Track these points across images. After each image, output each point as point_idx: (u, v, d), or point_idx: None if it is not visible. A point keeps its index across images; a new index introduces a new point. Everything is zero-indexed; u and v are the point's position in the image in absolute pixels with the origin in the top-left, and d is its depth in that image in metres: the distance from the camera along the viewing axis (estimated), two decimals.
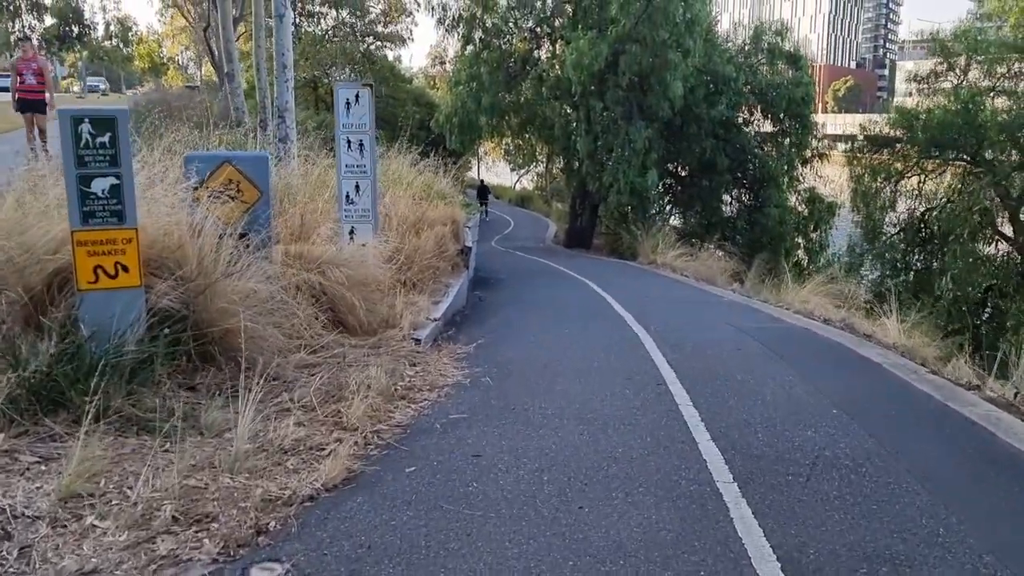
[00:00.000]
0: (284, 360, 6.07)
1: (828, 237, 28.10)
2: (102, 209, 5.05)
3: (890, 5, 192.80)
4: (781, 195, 25.85)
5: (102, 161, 5.01)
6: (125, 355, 4.93)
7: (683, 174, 28.02)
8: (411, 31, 38.31)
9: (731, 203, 27.63)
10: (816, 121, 27.64)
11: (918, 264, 22.48)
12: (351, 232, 8.72)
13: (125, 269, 5.12)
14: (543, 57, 27.58)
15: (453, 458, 4.88)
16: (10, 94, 14.68)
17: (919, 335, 11.11)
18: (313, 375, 6.07)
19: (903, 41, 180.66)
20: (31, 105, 14.40)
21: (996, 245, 19.97)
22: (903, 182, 22.19)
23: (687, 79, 23.00)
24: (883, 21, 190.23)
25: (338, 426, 5.20)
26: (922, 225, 21.88)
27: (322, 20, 34.55)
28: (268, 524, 3.85)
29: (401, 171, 13.56)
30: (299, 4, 31.42)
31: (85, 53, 66.88)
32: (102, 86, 61.31)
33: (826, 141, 29.40)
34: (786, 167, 26.18)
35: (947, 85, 22.59)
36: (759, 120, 27.26)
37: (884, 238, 22.47)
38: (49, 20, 60.15)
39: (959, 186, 21.45)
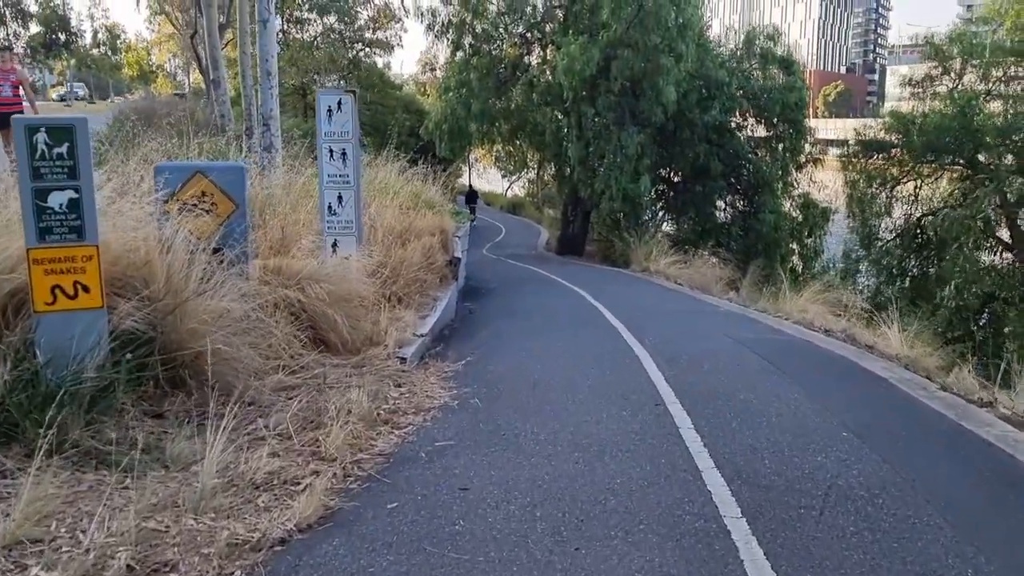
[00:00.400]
0: (260, 383, 5.71)
1: (823, 243, 27.90)
2: (60, 225, 4.69)
3: (879, 10, 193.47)
4: (775, 201, 25.61)
5: (60, 173, 4.66)
6: (84, 382, 4.57)
7: (676, 180, 27.76)
8: (400, 37, 38.07)
9: (725, 209, 27.40)
10: (810, 126, 27.40)
11: (914, 270, 22.24)
12: (334, 245, 8.37)
13: (85, 289, 4.76)
14: (534, 63, 27.32)
15: (439, 492, 4.53)
16: None
17: (920, 344, 10.86)
18: (291, 398, 5.72)
19: (893, 46, 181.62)
20: (5, 118, 13.96)
21: (1000, 254, 19.70)
22: (899, 187, 21.94)
23: (679, 84, 22.75)
24: (872, 27, 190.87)
25: (316, 456, 4.85)
26: (918, 231, 21.62)
27: (310, 26, 34.21)
28: (232, 574, 3.50)
29: (388, 179, 13.22)
30: (286, 11, 31.06)
31: (73, 61, 66.36)
32: (81, 92, 60.68)
33: (819, 146, 29.15)
34: (780, 172, 25.97)
35: (942, 89, 22.38)
36: (752, 125, 27.04)
37: (880, 244, 22.21)
38: (35, 28, 59.64)
39: (956, 191, 21.22)
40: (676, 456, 5.16)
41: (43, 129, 4.62)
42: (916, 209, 21.90)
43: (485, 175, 64.17)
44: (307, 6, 32.59)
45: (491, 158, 48.07)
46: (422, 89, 49.00)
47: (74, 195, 4.69)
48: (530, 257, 27.07)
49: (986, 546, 3.96)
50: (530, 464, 4.97)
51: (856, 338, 10.65)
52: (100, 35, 65.22)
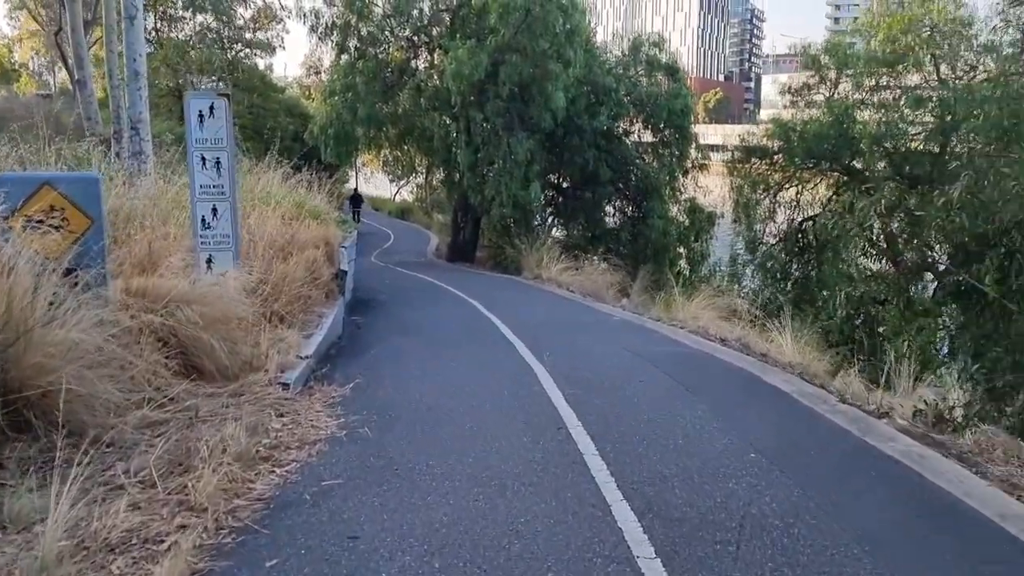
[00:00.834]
0: (121, 421, 5.09)
1: (709, 247, 28.39)
2: None
3: (753, 21, 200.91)
4: (663, 206, 25.87)
5: None
6: None
7: (566, 186, 27.74)
8: (283, 39, 36.80)
9: (614, 214, 27.52)
10: (695, 132, 27.85)
11: (796, 272, 22.79)
12: (209, 261, 7.72)
13: None
14: (421, 67, 26.82)
15: (325, 542, 4.06)
16: None
17: (809, 349, 10.99)
18: (158, 436, 5.13)
19: (767, 55, 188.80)
20: None
21: (878, 258, 20.34)
22: (782, 193, 22.46)
23: (568, 90, 22.68)
24: (748, 36, 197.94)
25: (183, 506, 4.30)
26: (800, 235, 22.18)
27: (185, 25, 32.67)
28: None
29: (270, 188, 12.54)
30: (159, 7, 29.57)
31: None
32: None
33: (703, 151, 29.69)
34: (667, 178, 26.26)
35: (819, 97, 23.02)
36: (640, 131, 27.28)
37: (764, 248, 22.68)
38: None
39: (835, 197, 21.86)
40: (583, 488, 4.84)
41: None
42: (798, 214, 22.45)
43: (373, 180, 63.09)
44: (181, 3, 31.09)
45: (379, 163, 47.20)
46: (307, 92, 47.62)
47: None
48: (420, 264, 26.54)
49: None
50: (426, 504, 4.56)
51: (750, 346, 10.67)
52: None
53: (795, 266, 22.51)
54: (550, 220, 28.32)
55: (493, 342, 9.86)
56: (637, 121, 27.07)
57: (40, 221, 5.35)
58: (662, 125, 26.49)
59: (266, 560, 3.85)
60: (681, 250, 27.54)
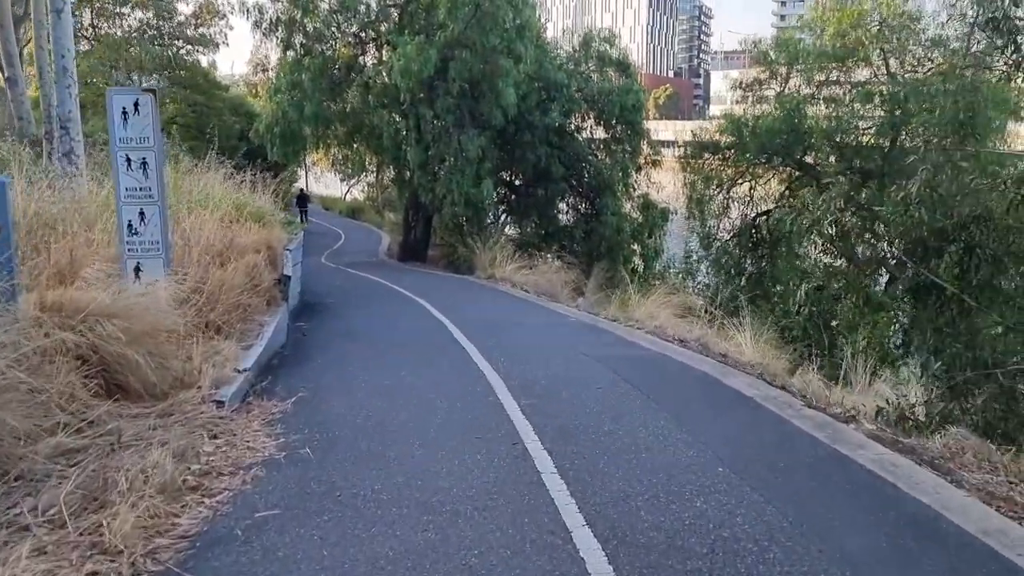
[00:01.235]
0: (31, 451, 4.61)
1: (663, 243, 28.28)
2: None
3: (702, 18, 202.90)
4: (617, 203, 25.65)
5: None
6: None
7: (518, 183, 27.39)
8: (226, 35, 35.87)
9: (567, 212, 27.26)
10: (647, 128, 27.69)
11: (751, 268, 22.72)
12: (137, 269, 7.20)
13: None
14: (369, 63, 26.24)
15: None
16: None
17: (768, 348, 10.78)
18: (74, 465, 4.66)
19: (716, 51, 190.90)
20: None
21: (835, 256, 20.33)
22: (735, 188, 22.38)
23: (519, 86, 22.32)
24: (697, 33, 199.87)
25: (96, 549, 3.85)
26: (753, 230, 22.11)
27: (123, 21, 31.56)
28: None
29: (211, 189, 11.94)
30: (95, 3, 28.55)
31: None
32: None
33: (656, 147, 29.59)
34: (621, 174, 26.04)
35: (770, 92, 23.00)
36: (592, 127, 27.04)
37: (719, 244, 22.59)
38: None
39: (787, 191, 21.87)
40: (541, 512, 4.47)
41: None
42: (751, 209, 22.39)
43: (323, 179, 62.16)
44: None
45: (328, 162, 46.43)
46: (254, 90, 46.63)
47: None
48: (371, 265, 25.97)
49: None
50: (371, 536, 4.16)
51: (709, 347, 10.43)
52: None
53: (749, 261, 22.45)
54: (503, 218, 27.99)
55: (445, 348, 9.45)
56: (589, 117, 26.81)
57: None
58: (614, 121, 26.25)
59: None
60: (635, 247, 27.37)
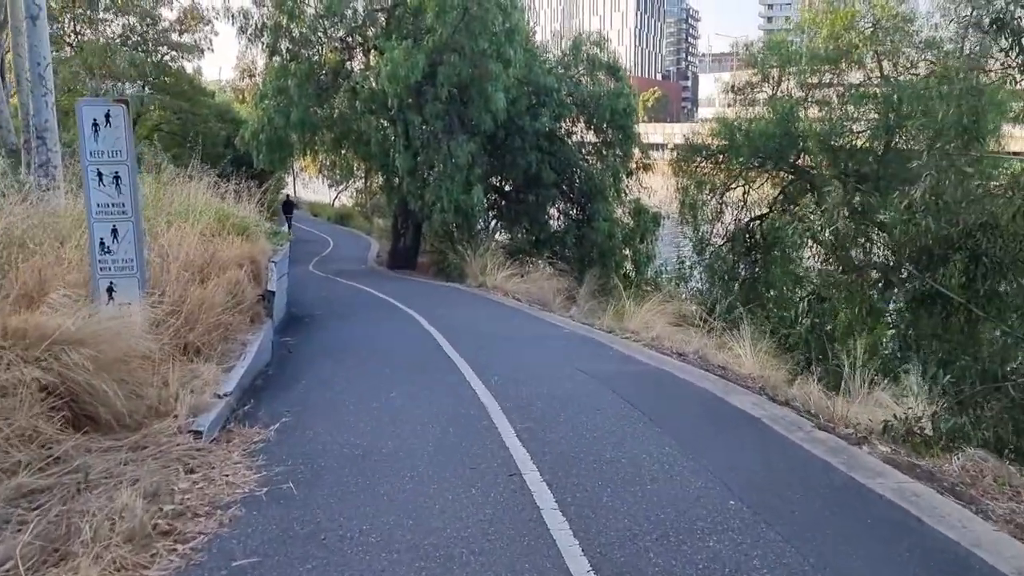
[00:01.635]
0: None
1: (655, 248, 27.98)
2: None
3: (689, 21, 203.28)
4: (608, 208, 25.34)
5: None
6: None
7: (508, 189, 27.06)
8: (211, 41, 35.33)
9: (559, 218, 26.92)
10: (639, 131, 27.39)
11: (744, 273, 22.45)
12: (110, 290, 6.82)
13: None
14: (356, 69, 25.87)
15: None
16: None
17: (766, 356, 10.47)
18: (37, 508, 4.31)
19: (703, 54, 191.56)
20: None
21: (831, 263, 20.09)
22: (729, 193, 22.12)
23: (509, 90, 22.00)
24: (684, 36, 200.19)
25: None
26: (747, 235, 21.84)
27: (106, 27, 31.08)
28: None
29: (193, 199, 11.53)
30: (76, 9, 28.03)
31: None
32: None
33: (647, 151, 29.33)
34: (612, 179, 25.72)
35: (762, 96, 22.75)
36: (583, 131, 26.73)
37: (712, 249, 22.31)
38: None
39: (781, 195, 21.64)
40: (542, 556, 4.14)
41: None
42: (745, 213, 22.13)
43: (311, 185, 61.70)
44: (102, 4, 29.57)
45: (316, 168, 46.06)
46: (241, 96, 46.20)
47: None
48: (360, 273, 25.60)
49: None
50: None
51: (709, 359, 10.12)
52: None
53: (742, 266, 22.18)
54: (493, 224, 27.63)
55: (436, 365, 9.10)
56: (579, 122, 26.50)
57: None
58: (605, 125, 25.95)
59: None
60: (627, 252, 27.07)
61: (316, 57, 24.82)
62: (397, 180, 24.38)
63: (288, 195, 43.59)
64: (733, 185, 22.09)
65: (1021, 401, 8.24)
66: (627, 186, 27.17)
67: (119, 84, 31.76)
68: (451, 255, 22.54)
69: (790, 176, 21.61)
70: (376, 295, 17.64)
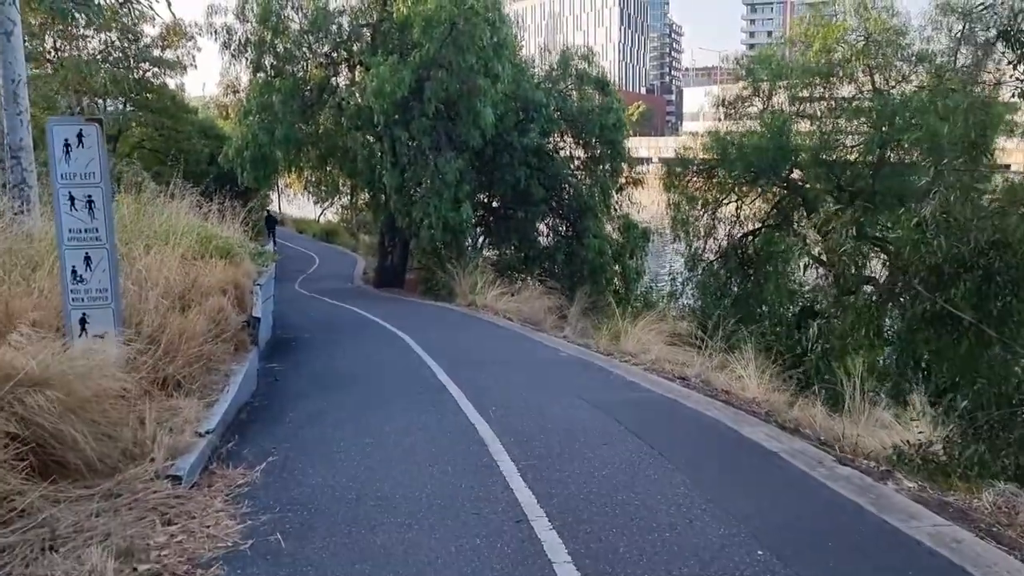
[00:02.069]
0: None
1: (644, 263, 27.69)
2: None
3: (672, 35, 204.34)
4: (598, 224, 25.04)
5: None
6: None
7: (496, 205, 26.73)
8: (194, 57, 34.98)
9: (548, 234, 26.58)
10: (628, 146, 27.13)
11: (737, 289, 22.15)
12: (82, 321, 6.38)
13: None
14: (342, 84, 25.57)
15: None
16: None
17: (768, 379, 10.11)
18: None
19: (687, 68, 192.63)
20: None
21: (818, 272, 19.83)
22: (721, 208, 21.84)
23: (497, 106, 21.70)
24: (668, 50, 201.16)
25: None
26: (740, 251, 21.57)
27: (88, 43, 30.53)
28: None
29: (174, 220, 11.07)
30: (55, 25, 27.44)
31: None
32: None
33: (635, 166, 29.10)
34: (601, 195, 25.42)
35: (753, 109, 22.53)
36: (572, 147, 26.45)
37: (704, 264, 22.02)
38: None
39: (774, 210, 21.42)
40: None
41: None
42: (737, 229, 21.86)
43: (296, 201, 61.16)
44: (83, 21, 29.00)
45: (301, 184, 45.60)
46: (225, 113, 45.75)
47: None
48: (347, 292, 25.16)
49: None
50: None
51: (711, 383, 9.76)
52: None
53: (736, 281, 21.88)
54: (481, 240, 27.27)
55: (430, 394, 8.66)
56: (568, 137, 26.26)
57: None
58: (594, 140, 25.73)
59: None
60: (616, 268, 26.76)
61: (301, 73, 24.53)
62: (384, 197, 24.06)
63: (269, 210, 43.19)
64: (725, 200, 21.80)
65: None
66: (617, 201, 26.91)
67: (97, 101, 31.24)
68: (440, 273, 22.17)
69: (783, 191, 21.36)
70: (364, 316, 17.21)
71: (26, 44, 13.84)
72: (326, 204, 54.94)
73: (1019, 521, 5.48)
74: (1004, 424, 8.33)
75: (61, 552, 4.15)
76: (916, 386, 11.98)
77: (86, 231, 6.34)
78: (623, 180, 26.99)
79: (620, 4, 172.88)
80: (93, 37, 30.17)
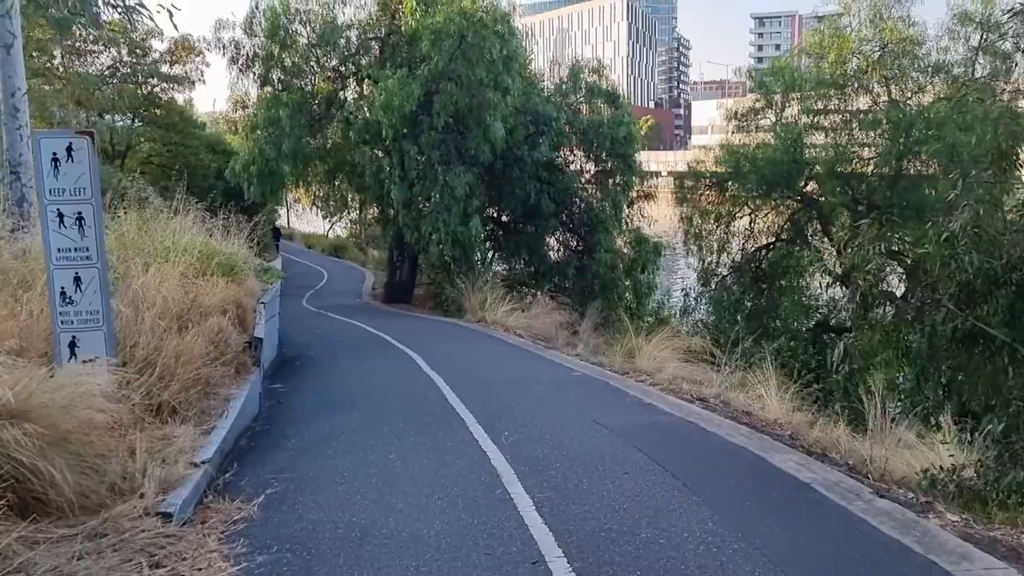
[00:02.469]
0: None
1: (655, 278, 27.30)
2: None
3: (680, 50, 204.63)
4: (609, 238, 24.66)
5: None
6: None
7: (506, 220, 26.37)
8: (202, 72, 34.81)
9: (558, 248, 26.23)
10: (639, 160, 26.80)
11: (750, 304, 21.78)
12: (72, 345, 6.03)
13: None
14: (350, 98, 25.31)
15: None
16: None
17: (789, 400, 9.74)
18: None
19: (695, 82, 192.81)
20: None
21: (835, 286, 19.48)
22: (735, 222, 21.50)
23: (507, 119, 21.39)
24: (676, 64, 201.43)
25: None
26: (754, 265, 21.20)
27: (96, 59, 30.46)
28: None
29: (176, 236, 10.72)
30: (63, 40, 27.36)
31: None
32: None
33: (647, 180, 28.74)
34: (612, 209, 25.05)
35: (766, 122, 22.23)
36: (582, 161, 26.11)
37: (717, 279, 21.67)
38: None
39: (787, 223, 21.07)
40: None
41: None
42: (752, 243, 21.51)
43: (304, 216, 61.07)
44: (90, 36, 28.90)
45: (309, 199, 45.41)
46: (233, 128, 45.72)
47: None
48: (355, 308, 24.82)
49: None
50: None
51: (731, 404, 9.39)
52: None
53: (750, 296, 21.51)
54: (491, 255, 26.94)
55: (440, 418, 8.28)
56: (579, 151, 25.93)
57: None
58: (604, 154, 25.36)
59: None
60: (627, 282, 26.38)
61: (309, 87, 24.32)
62: (392, 212, 23.77)
63: (274, 224, 43.12)
64: (739, 214, 21.45)
65: None
66: (628, 215, 26.55)
67: (103, 116, 31.10)
68: (449, 288, 21.85)
69: (797, 204, 21.00)
70: (373, 333, 16.86)
71: (34, 58, 13.63)
72: (334, 219, 54.87)
73: None
74: None
75: None
76: (943, 408, 11.60)
77: (75, 250, 6.00)
78: (634, 194, 26.60)
79: (628, 19, 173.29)
80: (101, 53, 30.11)
